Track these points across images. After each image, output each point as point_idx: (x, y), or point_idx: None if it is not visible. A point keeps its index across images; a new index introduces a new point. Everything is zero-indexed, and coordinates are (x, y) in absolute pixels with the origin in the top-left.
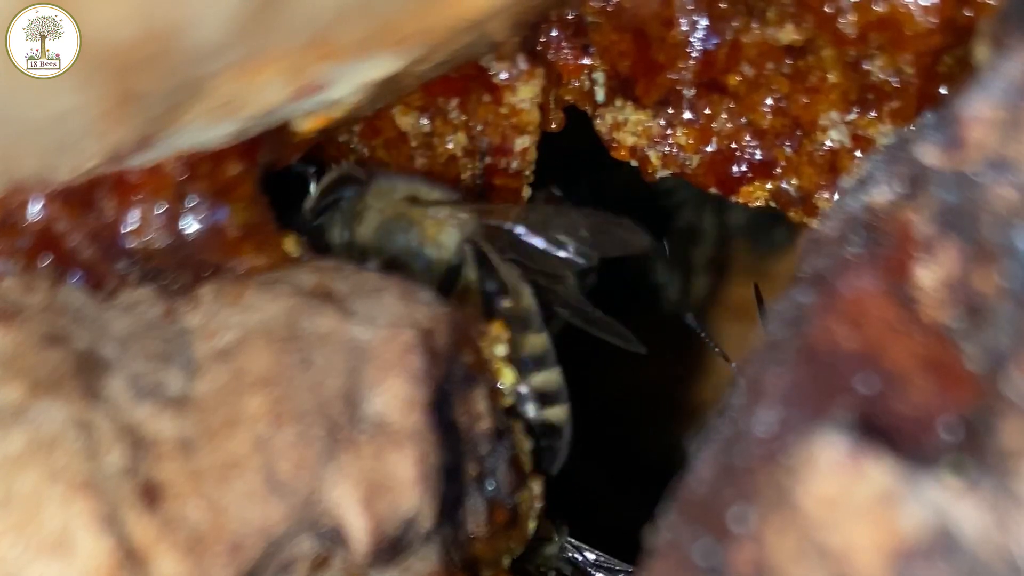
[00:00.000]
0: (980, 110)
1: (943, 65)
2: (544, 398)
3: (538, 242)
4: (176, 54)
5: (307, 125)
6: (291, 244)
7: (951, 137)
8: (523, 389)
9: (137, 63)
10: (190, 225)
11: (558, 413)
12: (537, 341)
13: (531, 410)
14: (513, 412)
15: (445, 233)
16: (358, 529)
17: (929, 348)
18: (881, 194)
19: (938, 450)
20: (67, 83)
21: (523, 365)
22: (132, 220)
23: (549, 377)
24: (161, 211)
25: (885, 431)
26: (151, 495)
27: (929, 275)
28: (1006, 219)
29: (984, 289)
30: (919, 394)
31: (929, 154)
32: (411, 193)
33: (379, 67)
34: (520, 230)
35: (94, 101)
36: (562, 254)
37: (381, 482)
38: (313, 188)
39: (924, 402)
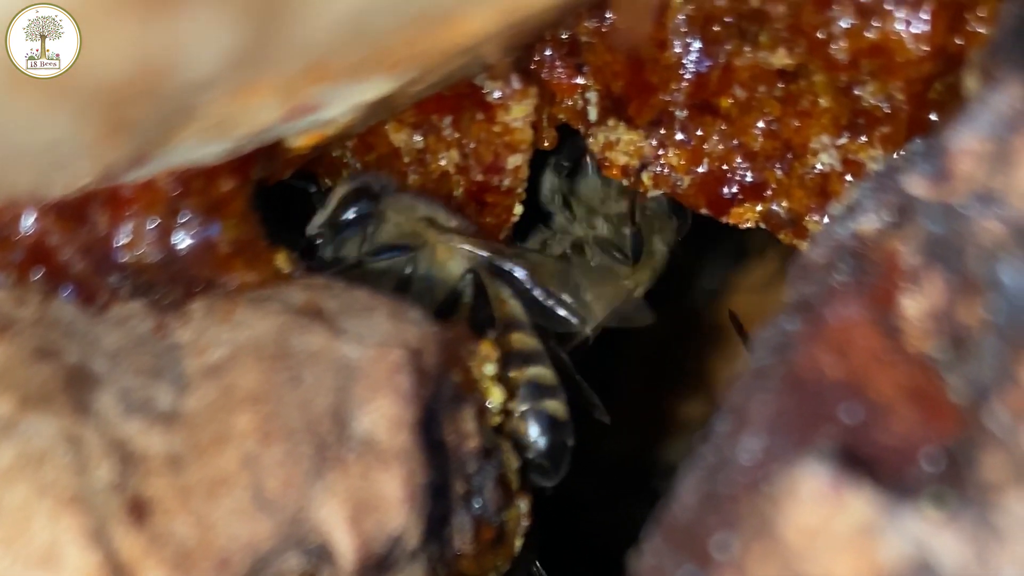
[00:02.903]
0: (968, 143)
1: (934, 92)
2: (541, 390)
3: (539, 294)
4: (169, 88)
5: (301, 141)
6: (282, 260)
7: (939, 169)
8: (520, 386)
9: (130, 97)
10: (182, 240)
11: (557, 406)
12: (528, 340)
13: (528, 402)
14: (501, 430)
15: (454, 261)
16: (345, 546)
17: (913, 379)
18: (869, 222)
19: (920, 481)
20: (61, 114)
21: (515, 359)
22: (124, 234)
23: (543, 372)
24: (153, 226)
25: (868, 461)
26: (139, 510)
27: (914, 305)
28: (991, 252)
29: (968, 321)
30: (902, 425)
31: (917, 185)
32: (430, 216)
33: (372, 89)
34: (523, 277)
35: (88, 129)
36: (560, 312)
37: (368, 500)
38: (326, 202)
39: (907, 433)
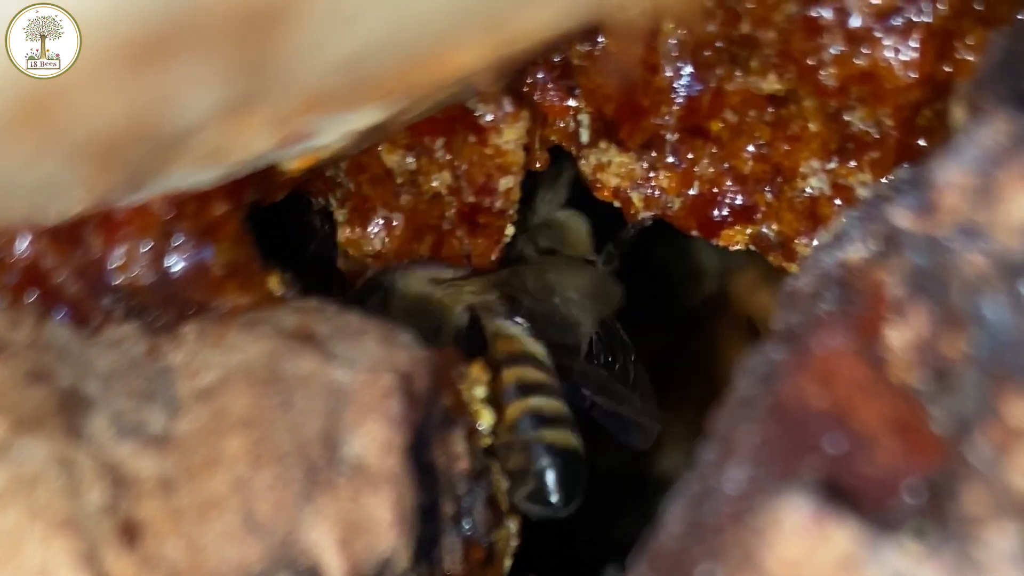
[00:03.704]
0: (953, 176)
1: (922, 118)
2: (542, 420)
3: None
4: (161, 133)
5: (294, 165)
6: (274, 283)
7: (924, 201)
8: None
9: (122, 145)
10: (175, 263)
11: (559, 435)
12: (529, 372)
13: (528, 433)
14: (491, 452)
15: (459, 305)
16: (335, 569)
17: (897, 410)
18: (856, 252)
19: (901, 514)
20: (54, 158)
21: (520, 391)
22: (118, 257)
23: (544, 402)
24: (147, 249)
25: (850, 493)
26: (130, 533)
27: (899, 337)
28: (974, 286)
29: (951, 355)
30: (885, 456)
31: (902, 217)
32: (433, 275)
33: (364, 118)
34: (519, 320)
35: (81, 168)
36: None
37: (358, 523)
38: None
39: (890, 464)
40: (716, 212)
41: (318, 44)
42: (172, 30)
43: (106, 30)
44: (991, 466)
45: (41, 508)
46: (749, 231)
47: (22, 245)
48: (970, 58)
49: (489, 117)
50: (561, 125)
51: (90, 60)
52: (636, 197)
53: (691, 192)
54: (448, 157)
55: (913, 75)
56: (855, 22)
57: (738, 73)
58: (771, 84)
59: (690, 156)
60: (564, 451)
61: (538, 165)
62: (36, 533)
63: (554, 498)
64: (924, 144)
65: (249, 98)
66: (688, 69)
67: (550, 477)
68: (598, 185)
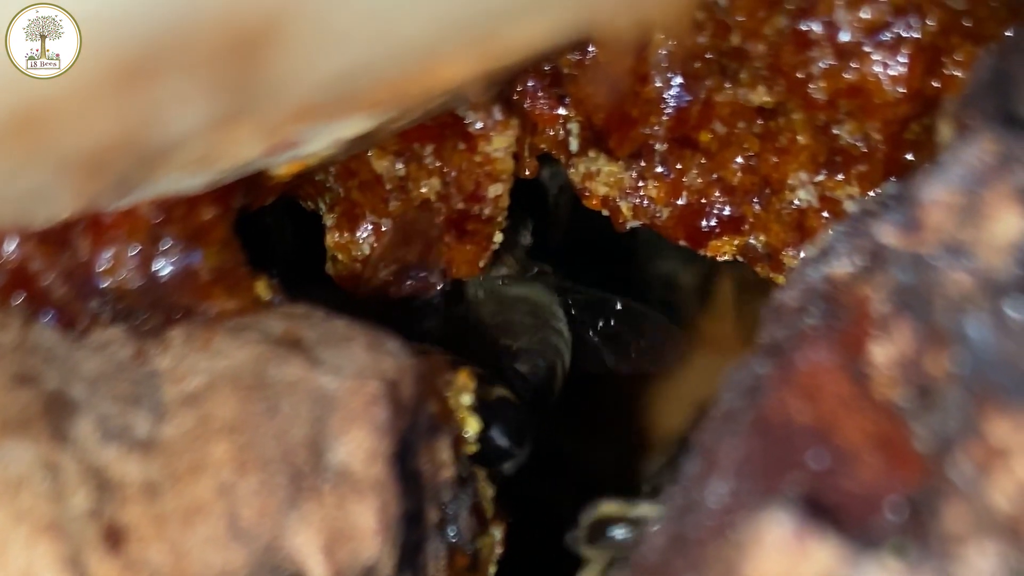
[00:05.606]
0: (939, 194)
1: (910, 132)
2: None
3: None
4: (148, 146)
5: (283, 170)
6: (262, 288)
7: (909, 218)
8: None
9: (110, 156)
10: (163, 267)
11: (488, 391)
12: None
13: None
14: (477, 459)
15: None
16: (319, 575)
17: (880, 426)
18: (841, 266)
19: (883, 531)
20: (42, 168)
21: None
22: (106, 260)
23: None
24: (135, 252)
25: (832, 509)
26: (115, 538)
27: (883, 353)
28: (958, 304)
29: (935, 372)
30: (868, 472)
31: (888, 233)
32: None
33: (353, 127)
34: None
35: (68, 177)
36: None
37: (342, 531)
38: None
39: (872, 481)
40: (704, 222)
41: (306, 63)
42: (159, 51)
43: (95, 50)
44: (972, 485)
45: (25, 511)
46: (737, 242)
47: (9, 247)
48: (958, 74)
49: (479, 125)
50: (551, 133)
51: (79, 77)
52: (624, 206)
53: (679, 202)
54: (438, 164)
55: (901, 90)
56: (845, 36)
57: (727, 85)
58: (760, 96)
59: (679, 166)
60: (495, 400)
61: (527, 172)
62: (20, 536)
63: (501, 442)
64: (912, 158)
65: (237, 111)
66: (678, 80)
67: (496, 435)
68: (587, 194)
